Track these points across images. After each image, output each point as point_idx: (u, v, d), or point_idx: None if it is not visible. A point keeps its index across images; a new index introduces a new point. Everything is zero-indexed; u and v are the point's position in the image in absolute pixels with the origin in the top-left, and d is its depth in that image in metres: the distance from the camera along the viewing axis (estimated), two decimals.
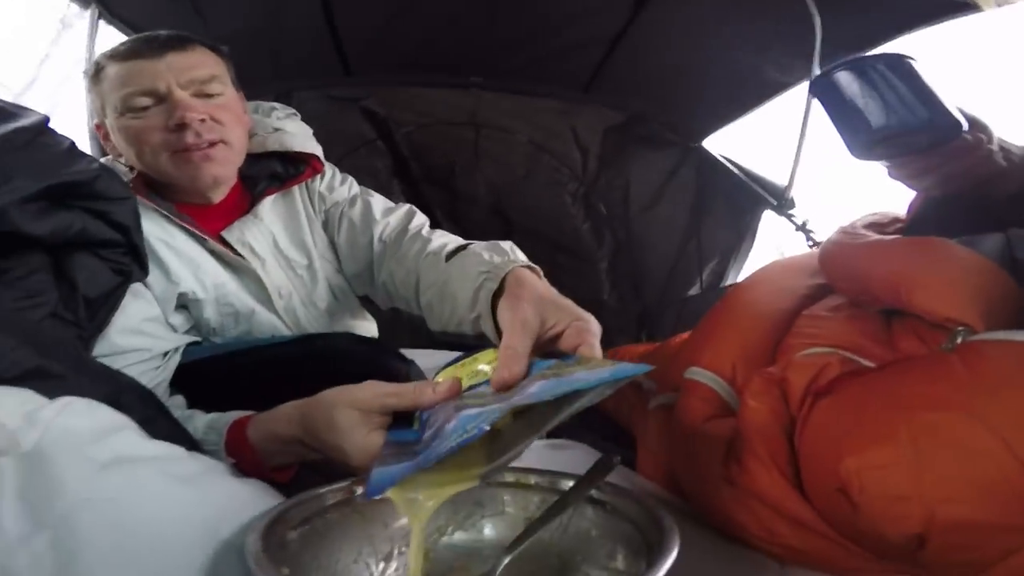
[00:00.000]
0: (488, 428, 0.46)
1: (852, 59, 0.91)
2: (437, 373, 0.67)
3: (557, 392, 0.48)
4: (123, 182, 0.78)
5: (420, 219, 1.00)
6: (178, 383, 0.86)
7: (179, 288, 0.89)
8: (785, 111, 1.68)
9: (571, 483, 0.58)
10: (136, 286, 0.80)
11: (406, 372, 0.90)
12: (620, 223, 2.14)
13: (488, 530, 0.59)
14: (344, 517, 0.55)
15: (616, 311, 2.17)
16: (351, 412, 0.59)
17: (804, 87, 1.59)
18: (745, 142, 1.92)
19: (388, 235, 0.98)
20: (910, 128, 0.85)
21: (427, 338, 0.87)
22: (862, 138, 0.89)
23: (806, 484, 0.64)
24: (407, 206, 1.03)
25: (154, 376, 0.82)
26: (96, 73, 0.89)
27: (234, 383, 0.85)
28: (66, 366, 0.51)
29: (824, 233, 1.61)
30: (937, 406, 0.58)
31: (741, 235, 1.93)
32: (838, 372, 0.69)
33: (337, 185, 1.05)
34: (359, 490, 0.56)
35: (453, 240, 0.89)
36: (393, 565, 0.56)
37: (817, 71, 1.40)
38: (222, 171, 0.92)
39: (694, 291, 2.01)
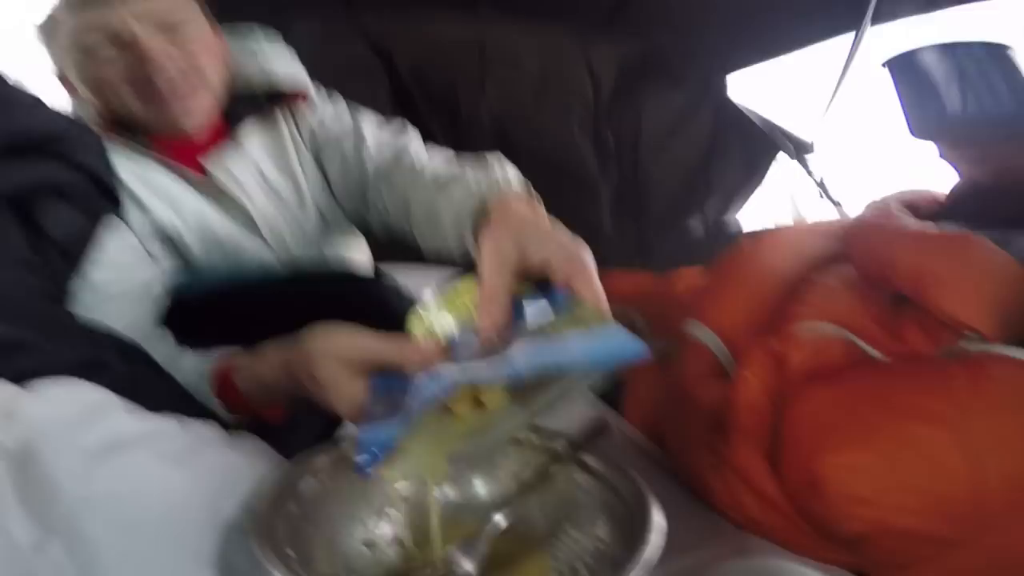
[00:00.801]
0: (446, 398, 0.49)
1: (946, 42, 0.84)
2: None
3: (540, 367, 0.47)
4: (77, 120, 0.74)
5: (414, 145, 0.96)
6: (167, 323, 0.84)
7: (160, 225, 0.87)
8: (817, 62, 1.56)
9: (563, 443, 0.58)
10: (111, 220, 0.76)
11: (404, 310, 0.89)
12: (628, 156, 2.08)
13: (479, 487, 0.60)
14: (337, 479, 0.55)
15: (616, 242, 2.14)
16: (333, 364, 0.58)
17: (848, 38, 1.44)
18: (768, 89, 1.81)
19: (381, 165, 0.95)
20: (992, 119, 0.80)
21: (417, 253, 0.86)
22: (931, 121, 0.84)
23: (780, 461, 0.65)
24: (402, 135, 0.99)
25: (140, 315, 0.81)
26: (50, 26, 0.83)
27: (225, 323, 0.83)
28: (39, 333, 0.49)
29: (841, 189, 1.55)
30: (928, 419, 0.58)
31: (752, 177, 1.88)
32: (838, 357, 0.68)
33: (328, 119, 1.01)
34: (349, 451, 0.56)
35: (443, 166, 0.85)
36: (387, 518, 0.57)
37: (869, 26, 1.30)
38: (199, 110, 0.88)
39: (697, 225, 1.97)
